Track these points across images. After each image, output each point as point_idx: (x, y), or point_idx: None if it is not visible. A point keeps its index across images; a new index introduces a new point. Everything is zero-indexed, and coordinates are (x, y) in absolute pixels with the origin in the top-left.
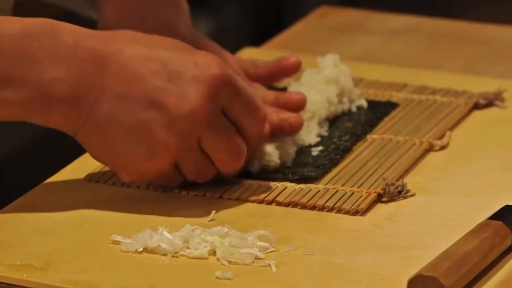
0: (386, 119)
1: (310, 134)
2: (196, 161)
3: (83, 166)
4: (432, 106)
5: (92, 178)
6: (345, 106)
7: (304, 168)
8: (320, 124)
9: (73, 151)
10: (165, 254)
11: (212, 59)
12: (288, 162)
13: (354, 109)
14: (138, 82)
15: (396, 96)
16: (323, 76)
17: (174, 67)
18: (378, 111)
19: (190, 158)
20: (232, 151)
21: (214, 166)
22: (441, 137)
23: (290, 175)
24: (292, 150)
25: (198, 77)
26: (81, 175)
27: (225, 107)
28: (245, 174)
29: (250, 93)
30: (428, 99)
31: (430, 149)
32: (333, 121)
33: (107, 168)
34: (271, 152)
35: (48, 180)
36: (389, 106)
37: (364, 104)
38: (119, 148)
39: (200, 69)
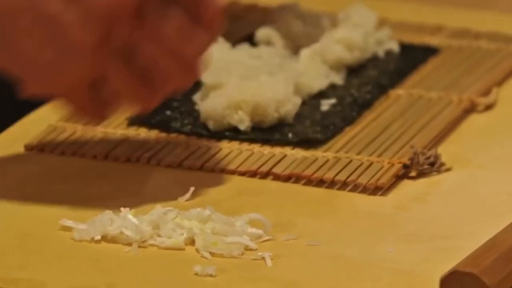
0: (421, 68)
1: (318, 78)
2: (125, 72)
3: (23, 131)
4: (475, 55)
5: (35, 146)
6: (371, 49)
7: (308, 126)
8: (333, 68)
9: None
10: (130, 244)
11: None
12: (289, 118)
13: (381, 54)
14: None
15: (429, 41)
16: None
17: None
18: (412, 57)
19: (115, 69)
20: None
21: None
22: (486, 93)
23: (290, 134)
24: (295, 101)
25: None
26: (21, 142)
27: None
28: (232, 131)
29: None
30: (469, 46)
31: (471, 109)
32: (353, 69)
33: (54, 134)
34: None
35: None
36: (427, 52)
37: (395, 48)
38: (25, 47)
39: None
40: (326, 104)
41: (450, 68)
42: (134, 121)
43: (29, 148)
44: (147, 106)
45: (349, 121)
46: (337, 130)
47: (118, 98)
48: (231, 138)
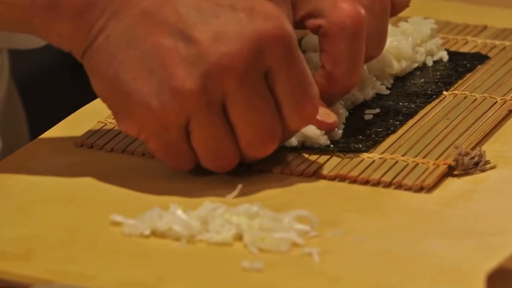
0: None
1: (364, 89)
2: (214, 129)
3: (72, 127)
4: None
5: (84, 142)
6: (420, 58)
7: (350, 136)
8: (380, 77)
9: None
10: (178, 239)
11: (275, 9)
12: (336, 138)
13: (430, 63)
14: (173, 1)
15: (472, 42)
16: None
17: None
18: (461, 65)
19: (206, 122)
20: (263, 130)
21: (235, 147)
22: None
23: (331, 146)
24: (340, 128)
25: (248, 21)
26: (70, 138)
27: (269, 72)
28: None
29: (305, 68)
30: None
31: None
32: (399, 77)
33: (104, 130)
34: (317, 134)
35: (30, 143)
36: (477, 59)
37: (445, 57)
38: (127, 77)
39: (255, 13)
40: (370, 114)
41: (494, 69)
42: None
43: (78, 144)
44: (222, 165)
45: (392, 130)
46: (377, 140)
47: (200, 151)
48: None
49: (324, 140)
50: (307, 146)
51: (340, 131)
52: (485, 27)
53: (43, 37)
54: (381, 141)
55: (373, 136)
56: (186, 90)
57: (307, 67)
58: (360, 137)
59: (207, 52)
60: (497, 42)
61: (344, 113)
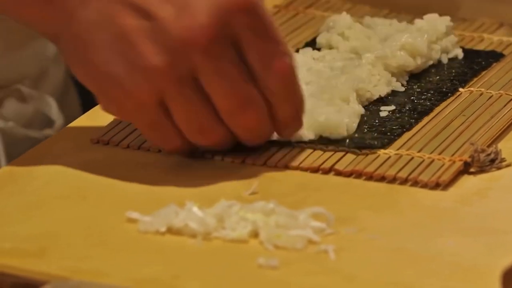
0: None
1: (380, 85)
2: (190, 103)
3: (89, 123)
4: None
5: (100, 139)
6: (435, 56)
7: (365, 133)
8: (395, 75)
9: None
10: (194, 236)
11: None
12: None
13: (445, 60)
14: None
15: (488, 39)
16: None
17: None
18: (476, 63)
19: (181, 97)
20: (239, 98)
21: (220, 122)
22: None
23: (346, 141)
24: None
25: None
26: (87, 135)
27: (237, 40)
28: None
29: (273, 30)
30: None
31: None
32: (414, 74)
33: (120, 127)
34: (339, 123)
35: (47, 139)
36: (492, 57)
37: (460, 54)
38: (99, 60)
39: None
40: (385, 111)
41: (509, 66)
42: None
43: (94, 140)
44: (211, 139)
45: (407, 127)
46: (394, 138)
47: (183, 126)
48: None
49: (343, 129)
50: (323, 141)
51: (355, 125)
52: (501, 25)
53: (16, 21)
54: (396, 139)
55: (388, 134)
56: (153, 67)
57: (275, 28)
58: (376, 134)
59: (170, 28)
60: None
61: (359, 109)
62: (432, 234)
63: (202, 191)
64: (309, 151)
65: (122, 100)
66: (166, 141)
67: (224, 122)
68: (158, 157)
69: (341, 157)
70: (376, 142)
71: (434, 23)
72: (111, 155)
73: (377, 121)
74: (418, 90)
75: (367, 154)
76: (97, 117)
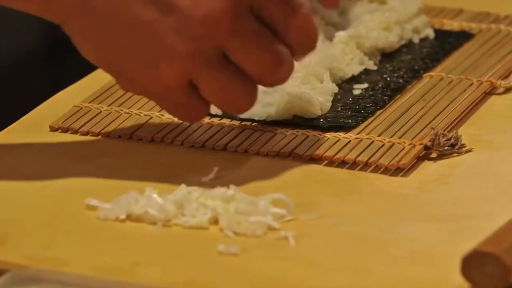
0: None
1: (352, 64)
2: (220, 82)
3: (48, 112)
4: (495, 38)
5: (59, 126)
6: (406, 35)
7: (339, 111)
8: (368, 54)
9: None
10: (154, 223)
11: None
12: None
13: (416, 40)
14: None
15: (448, 25)
16: None
17: None
18: (447, 42)
19: (210, 75)
20: (271, 62)
21: (249, 87)
22: (506, 76)
23: (321, 120)
24: (329, 101)
25: None
26: (46, 123)
27: (255, 7)
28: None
29: None
30: (489, 29)
31: (491, 91)
32: (387, 54)
33: (79, 114)
34: (313, 101)
35: (5, 129)
36: (462, 37)
37: (431, 34)
38: (117, 46)
39: None
40: (358, 89)
41: (470, 51)
42: None
43: (54, 128)
44: (242, 106)
45: (381, 105)
46: (367, 115)
47: (215, 101)
48: (259, 121)
49: (317, 108)
50: (297, 120)
51: (329, 104)
52: (461, 11)
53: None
54: (370, 116)
55: (362, 111)
56: (180, 56)
57: None
58: (350, 112)
59: (190, 16)
60: (473, 25)
61: (333, 87)
62: (393, 220)
63: (163, 178)
64: (269, 135)
65: (148, 85)
66: (192, 116)
67: (257, 84)
68: (118, 144)
69: (301, 142)
70: (350, 121)
71: (405, 3)
72: (71, 143)
73: (350, 99)
74: (390, 68)
75: (328, 138)
76: (56, 105)
